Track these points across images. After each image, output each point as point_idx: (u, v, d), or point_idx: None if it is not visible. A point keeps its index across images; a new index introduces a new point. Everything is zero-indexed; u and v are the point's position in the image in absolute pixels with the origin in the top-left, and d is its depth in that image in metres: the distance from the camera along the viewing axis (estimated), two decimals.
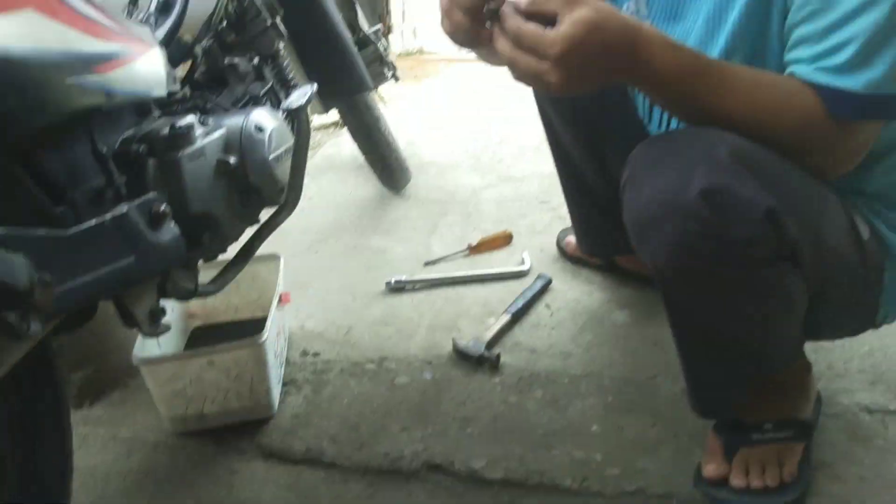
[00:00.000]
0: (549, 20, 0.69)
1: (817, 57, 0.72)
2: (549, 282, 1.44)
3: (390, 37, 3.25)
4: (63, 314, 0.74)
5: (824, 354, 1.17)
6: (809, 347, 1.10)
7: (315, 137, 2.45)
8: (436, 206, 1.86)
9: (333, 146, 2.33)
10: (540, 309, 1.37)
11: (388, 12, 3.17)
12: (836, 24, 0.71)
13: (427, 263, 1.57)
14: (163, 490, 1.03)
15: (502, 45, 0.72)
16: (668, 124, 0.97)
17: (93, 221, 0.73)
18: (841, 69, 0.71)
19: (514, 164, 2.08)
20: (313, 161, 2.24)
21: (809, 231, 0.76)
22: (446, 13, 0.81)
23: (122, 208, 0.77)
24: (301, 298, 1.43)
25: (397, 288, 1.47)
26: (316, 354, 1.28)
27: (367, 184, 1.99)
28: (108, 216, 0.75)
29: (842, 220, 0.83)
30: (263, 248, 1.03)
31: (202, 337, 1.30)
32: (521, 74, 0.72)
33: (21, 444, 0.79)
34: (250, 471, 1.04)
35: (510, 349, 1.25)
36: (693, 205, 0.69)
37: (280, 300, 1.19)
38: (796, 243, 0.74)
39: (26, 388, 0.80)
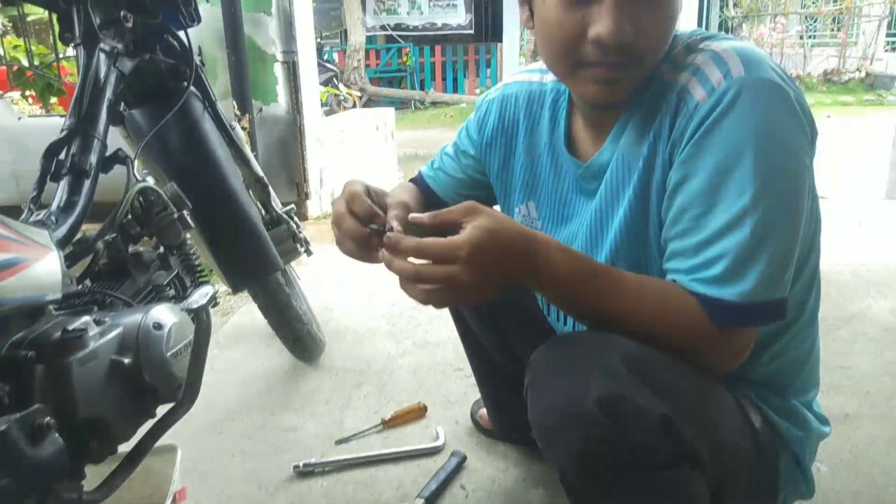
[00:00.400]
0: (446, 233, 0.75)
1: (692, 270, 0.78)
2: (464, 459, 1.42)
3: (309, 201, 3.36)
4: None
5: None
6: None
7: (228, 302, 2.43)
8: (350, 376, 1.84)
9: (245, 313, 2.31)
10: (455, 490, 1.34)
11: (305, 179, 3.30)
12: (706, 243, 0.77)
13: (339, 442, 1.52)
14: None
15: (400, 265, 0.76)
16: (566, 318, 1.02)
17: None
18: (715, 281, 0.76)
19: (430, 329, 2.11)
20: (223, 329, 2.20)
21: (705, 431, 0.79)
22: (338, 242, 0.88)
23: (1, 425, 0.73)
24: (200, 491, 1.35)
25: (306, 472, 1.40)
26: None
27: (279, 354, 1.95)
28: None
29: (734, 413, 0.86)
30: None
31: None
32: (429, 285, 0.74)
33: None
34: None
35: None
36: (591, 413, 0.71)
37: (174, 500, 1.12)
38: (693, 445, 0.76)
39: None
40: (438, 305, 0.78)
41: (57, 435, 0.81)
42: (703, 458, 0.78)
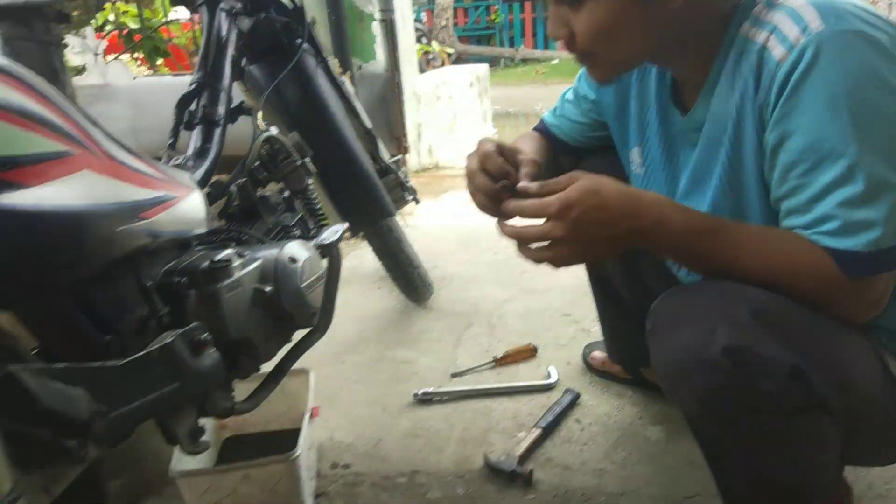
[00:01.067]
0: None
1: (810, 225, 0.76)
2: (578, 396, 1.44)
3: (407, 155, 3.43)
4: (114, 438, 0.77)
5: (864, 475, 1.15)
6: (849, 467, 1.08)
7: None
8: (459, 318, 1.89)
9: (355, 258, 2.40)
10: (570, 423, 1.37)
11: (404, 133, 3.36)
12: (817, 198, 0.74)
13: (454, 375, 1.58)
14: None
15: (508, 229, 0.83)
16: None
17: (141, 352, 0.78)
18: (838, 233, 0.74)
19: (536, 277, 2.12)
20: None
21: (838, 381, 0.76)
22: (471, 195, 0.93)
23: (168, 338, 0.81)
24: (329, 410, 1.45)
25: (425, 400, 1.48)
26: (346, 467, 1.28)
27: (389, 296, 2.04)
28: (156, 346, 0.80)
29: (870, 361, 0.83)
30: None
31: (233, 448, 1.31)
32: (530, 244, 0.80)
33: None
34: None
35: (543, 465, 1.24)
36: (716, 361, 0.71)
37: (311, 415, 1.21)
38: (825, 394, 0.74)
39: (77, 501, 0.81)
40: (552, 264, 0.82)
41: (214, 349, 0.89)
42: (834, 406, 0.76)
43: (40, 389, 0.64)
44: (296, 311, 1.04)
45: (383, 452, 1.32)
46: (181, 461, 1.11)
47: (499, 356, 1.62)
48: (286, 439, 1.15)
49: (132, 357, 0.77)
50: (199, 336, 0.86)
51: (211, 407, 0.92)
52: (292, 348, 1.08)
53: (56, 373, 0.67)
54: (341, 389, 1.56)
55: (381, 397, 1.52)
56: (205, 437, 0.90)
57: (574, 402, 1.42)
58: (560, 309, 1.89)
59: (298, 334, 1.08)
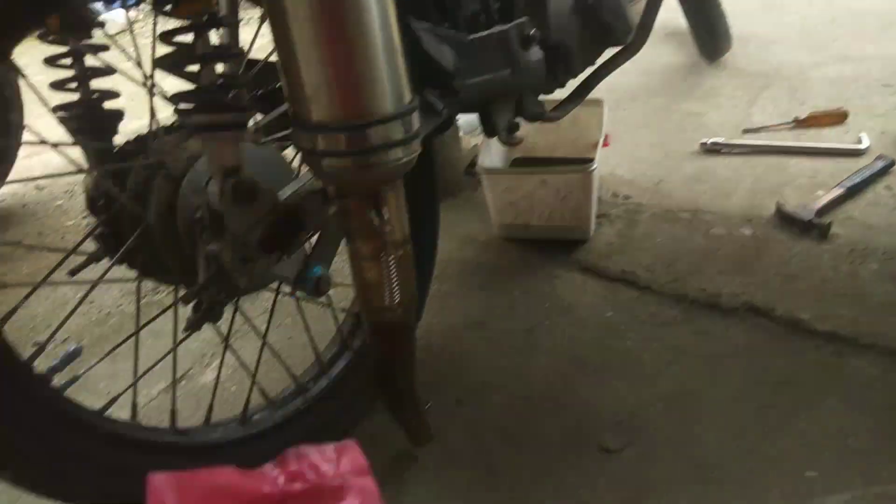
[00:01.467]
0: None
1: None
2: (892, 164, 1.30)
3: None
4: (455, 110, 0.86)
5: None
6: None
7: None
8: (756, 78, 1.74)
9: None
10: (879, 189, 1.25)
11: None
12: None
13: (746, 131, 1.50)
14: (493, 277, 1.18)
15: None
16: None
17: (483, 33, 0.84)
18: None
19: (851, 44, 1.84)
20: None
21: None
22: None
23: (503, 27, 0.86)
24: (611, 149, 1.46)
25: (713, 150, 1.44)
26: (627, 198, 1.33)
27: (676, 52, 1.92)
28: (495, 30, 0.85)
29: None
30: None
31: (522, 167, 1.39)
32: None
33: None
34: (570, 278, 1.13)
35: (842, 222, 1.17)
36: None
37: (603, 142, 1.24)
38: None
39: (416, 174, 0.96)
40: None
41: (538, 48, 0.92)
42: None
43: (422, 35, 0.73)
44: (614, 24, 1.02)
45: (665, 191, 1.34)
46: (486, 162, 1.22)
47: (801, 117, 1.49)
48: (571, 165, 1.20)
49: (476, 35, 0.83)
50: (528, 31, 0.90)
51: (526, 108, 0.97)
52: (601, 65, 1.08)
53: (428, 28, 0.75)
54: (623, 133, 1.56)
55: (665, 143, 1.50)
56: (518, 134, 0.96)
57: (886, 169, 1.29)
58: (879, 79, 1.65)
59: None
